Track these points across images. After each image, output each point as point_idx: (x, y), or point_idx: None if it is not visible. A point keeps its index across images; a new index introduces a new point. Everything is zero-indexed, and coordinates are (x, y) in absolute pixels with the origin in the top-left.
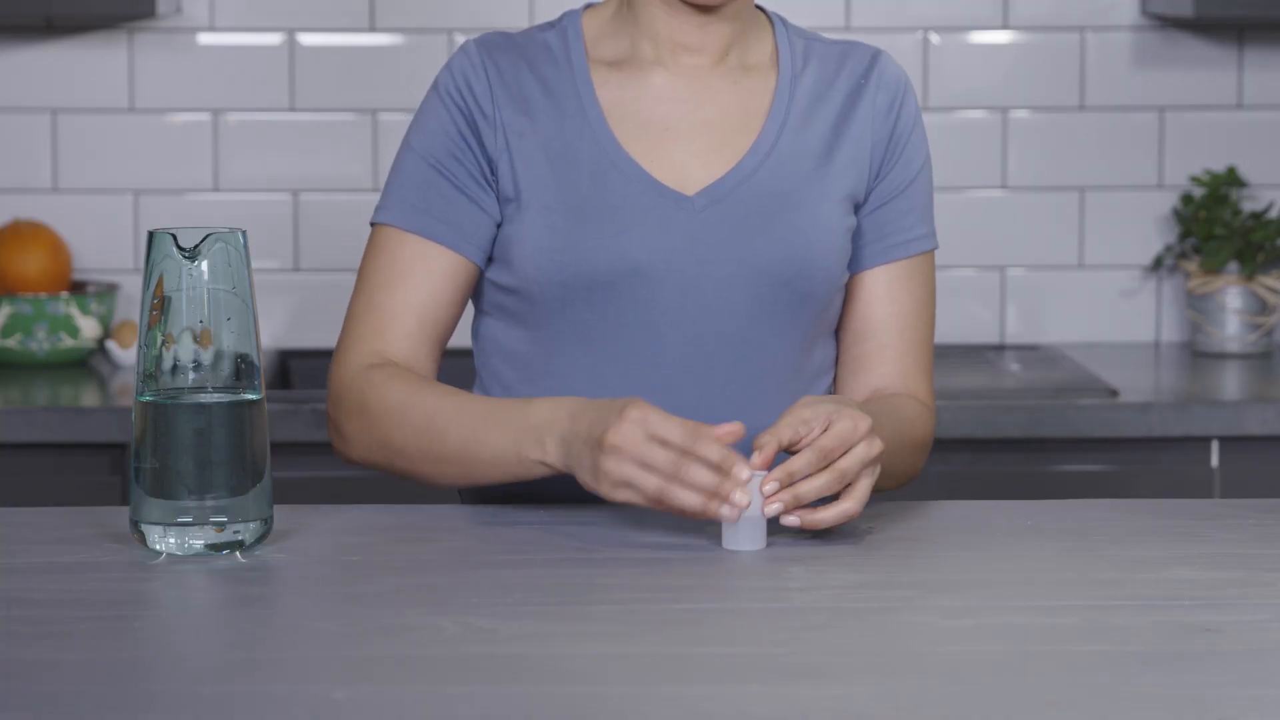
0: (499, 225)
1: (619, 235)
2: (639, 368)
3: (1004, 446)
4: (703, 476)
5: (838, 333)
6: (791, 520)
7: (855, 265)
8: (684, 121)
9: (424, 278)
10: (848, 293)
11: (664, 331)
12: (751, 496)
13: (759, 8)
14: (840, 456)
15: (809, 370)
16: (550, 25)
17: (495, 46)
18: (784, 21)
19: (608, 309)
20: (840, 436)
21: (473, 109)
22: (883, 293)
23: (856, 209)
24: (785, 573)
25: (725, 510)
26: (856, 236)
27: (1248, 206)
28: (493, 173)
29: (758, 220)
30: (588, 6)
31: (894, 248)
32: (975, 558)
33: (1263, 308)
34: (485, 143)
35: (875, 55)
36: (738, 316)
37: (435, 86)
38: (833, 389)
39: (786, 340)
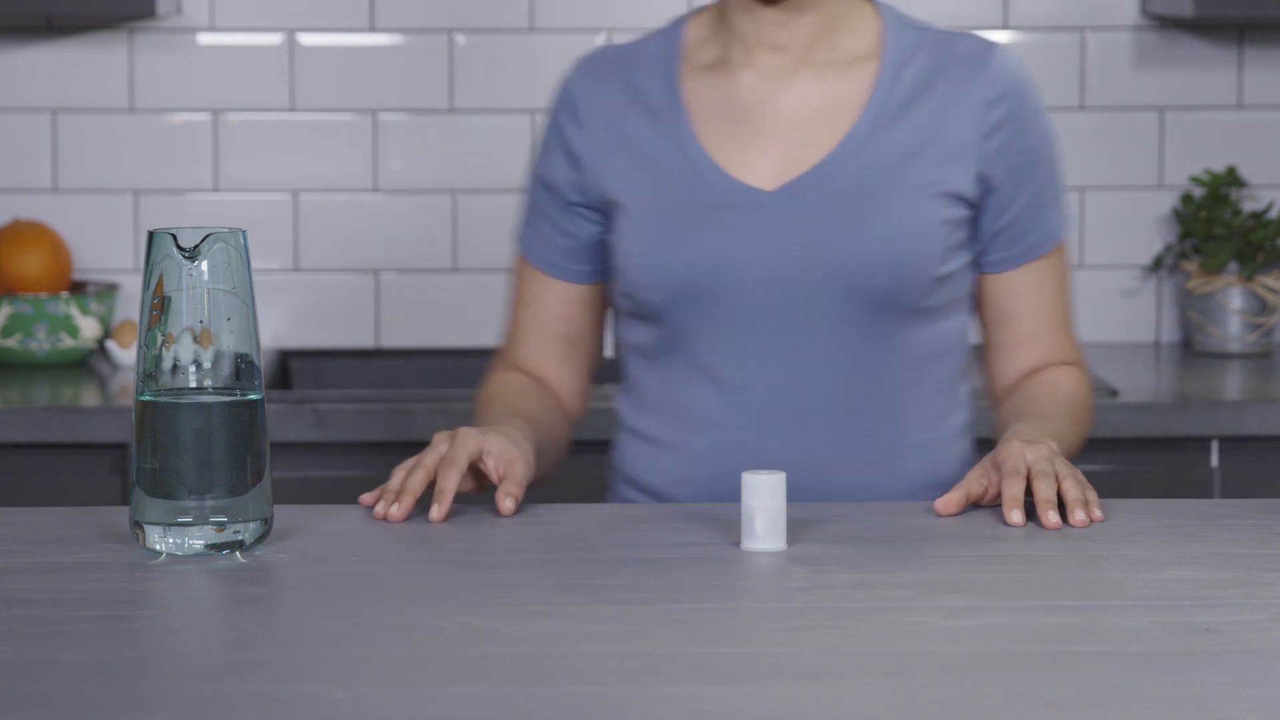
0: (607, 236)
1: (698, 235)
2: (738, 361)
3: None
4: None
5: (981, 318)
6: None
7: (994, 268)
8: (767, 120)
9: (540, 299)
10: (986, 286)
11: (753, 326)
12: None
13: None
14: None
15: (910, 357)
16: (659, 32)
17: (595, 62)
18: (895, 12)
19: (700, 307)
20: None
21: (569, 129)
22: (1024, 289)
23: (970, 204)
24: (785, 573)
25: (381, 508)
26: (990, 242)
27: (1248, 206)
28: (591, 189)
29: (836, 214)
30: (696, 12)
31: (1030, 249)
32: (975, 558)
33: (1263, 308)
34: (582, 161)
35: (988, 48)
36: (819, 310)
37: (548, 112)
38: (953, 368)
39: (873, 330)
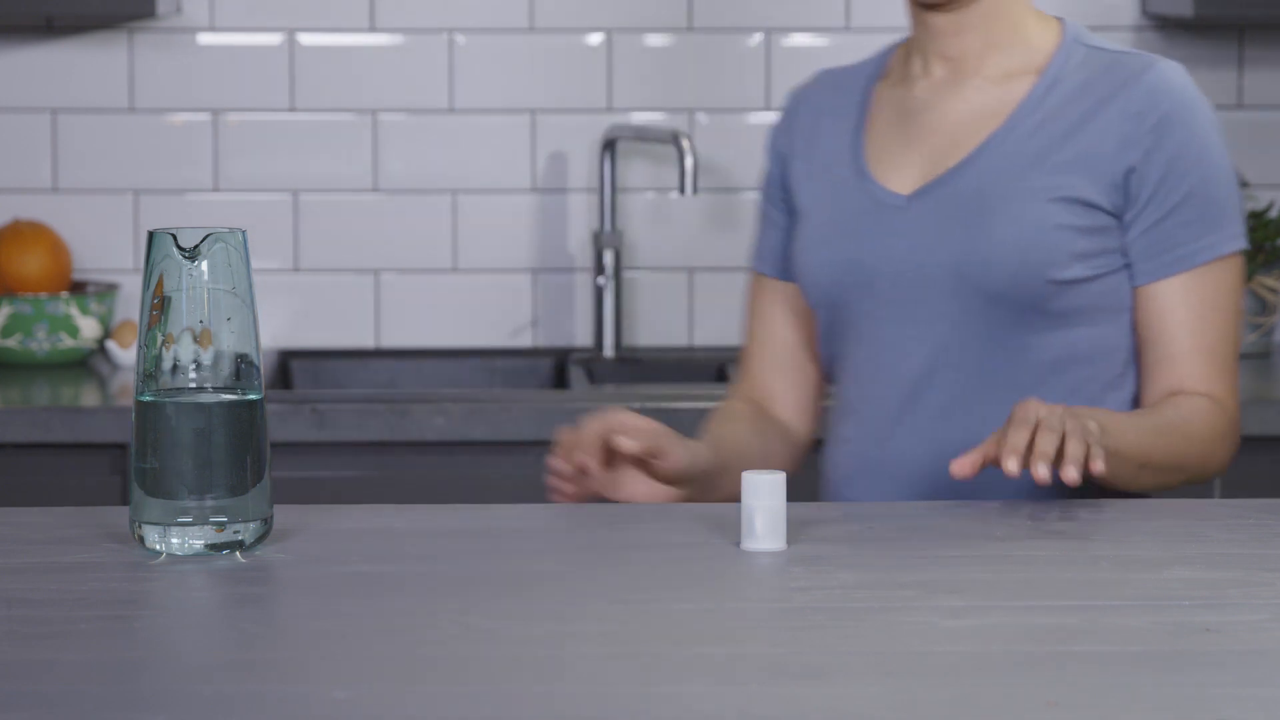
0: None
1: (843, 239)
2: (875, 358)
3: None
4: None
5: (1136, 337)
6: (1042, 472)
7: (1139, 279)
8: (924, 129)
9: (769, 308)
10: (1139, 301)
11: (886, 324)
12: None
13: (1057, 18)
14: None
15: (1034, 360)
16: (879, 51)
17: (819, 76)
18: (1077, 31)
19: (851, 308)
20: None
21: (780, 134)
22: (1170, 303)
23: (1107, 212)
24: (785, 573)
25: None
26: (1133, 251)
27: (1248, 206)
28: (788, 191)
29: (957, 217)
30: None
31: (1176, 261)
32: (975, 558)
33: (1263, 308)
34: (787, 172)
35: (1149, 63)
36: (942, 311)
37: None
38: (1093, 376)
39: (994, 331)
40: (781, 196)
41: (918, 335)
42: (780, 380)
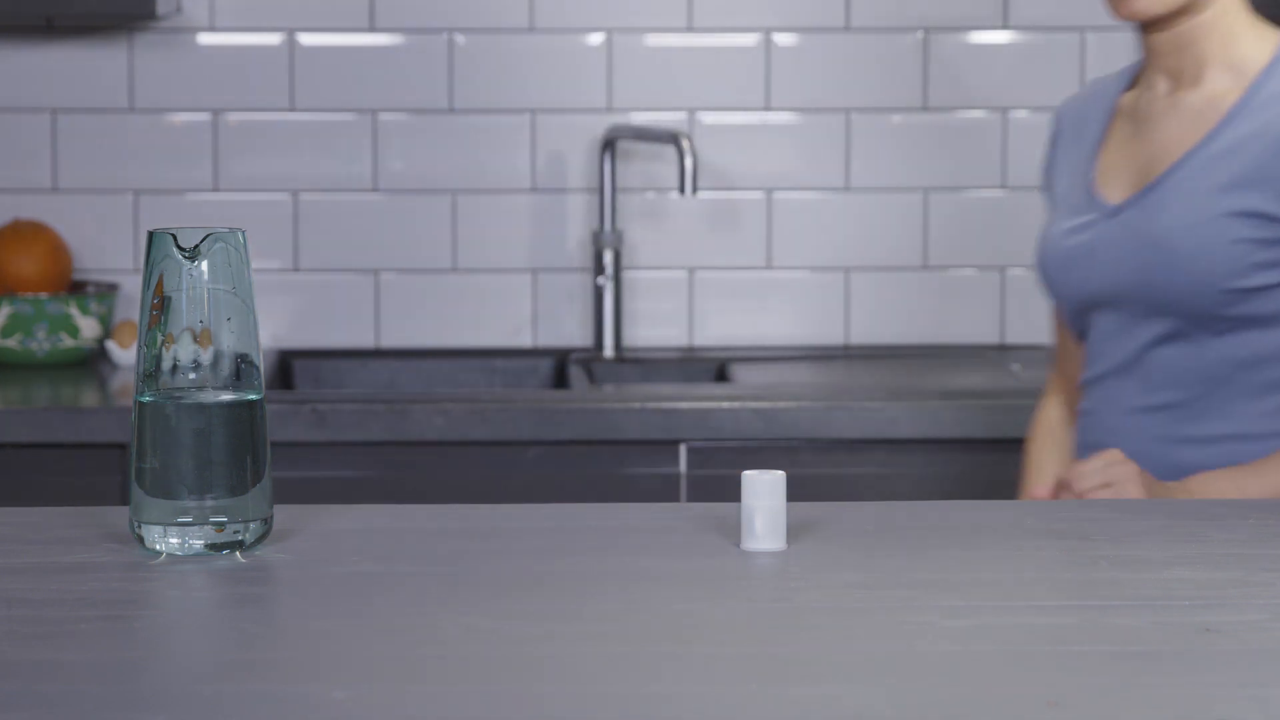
0: None
1: (1063, 238)
2: (1105, 351)
3: (1004, 446)
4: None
5: None
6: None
7: None
8: (1143, 140)
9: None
10: None
11: (1105, 320)
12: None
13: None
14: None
15: (1222, 358)
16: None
17: (1087, 85)
18: None
19: (1072, 300)
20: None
21: (1049, 143)
22: None
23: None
24: (785, 573)
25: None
26: None
27: None
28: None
29: (1145, 229)
30: None
31: None
32: (975, 558)
33: None
34: (1049, 169)
35: None
36: (1137, 313)
37: None
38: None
39: (1180, 332)
40: (1049, 200)
41: (1120, 329)
42: (1077, 352)
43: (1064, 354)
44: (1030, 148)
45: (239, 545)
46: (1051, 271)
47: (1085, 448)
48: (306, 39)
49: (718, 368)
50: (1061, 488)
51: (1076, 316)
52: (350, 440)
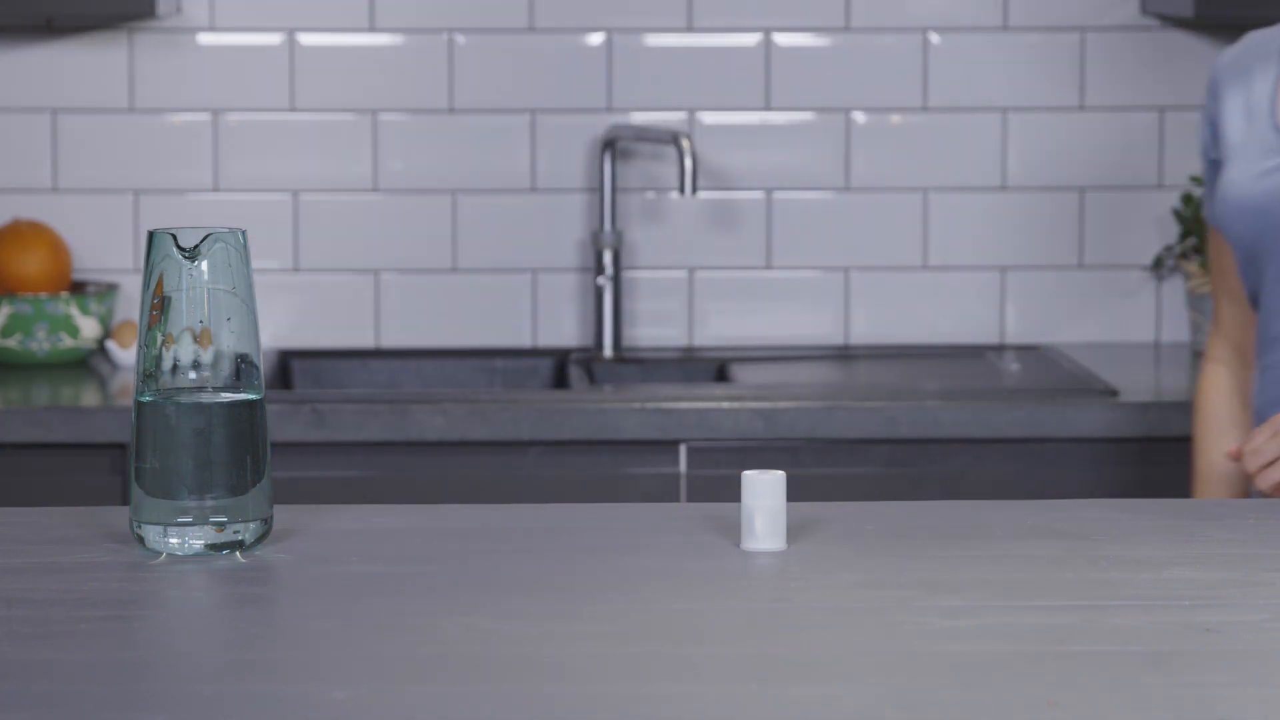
0: None
1: (1251, 182)
2: (1266, 304)
3: (1004, 446)
4: None
5: None
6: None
7: None
8: None
9: (1219, 257)
10: None
11: (1268, 262)
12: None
13: None
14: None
15: None
16: None
17: (1242, 41)
18: None
19: (1261, 246)
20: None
21: (1209, 100)
22: None
23: None
24: (785, 573)
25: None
26: None
27: None
28: (1220, 150)
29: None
30: None
31: None
32: (975, 558)
33: None
34: (1213, 124)
35: None
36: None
37: None
38: None
39: None
40: (1211, 158)
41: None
42: (1243, 315)
43: (1230, 318)
44: (1030, 148)
45: (239, 545)
46: (1249, 217)
47: (1272, 404)
48: (306, 39)
49: (717, 368)
50: (1241, 457)
51: (1256, 268)
52: (350, 440)
